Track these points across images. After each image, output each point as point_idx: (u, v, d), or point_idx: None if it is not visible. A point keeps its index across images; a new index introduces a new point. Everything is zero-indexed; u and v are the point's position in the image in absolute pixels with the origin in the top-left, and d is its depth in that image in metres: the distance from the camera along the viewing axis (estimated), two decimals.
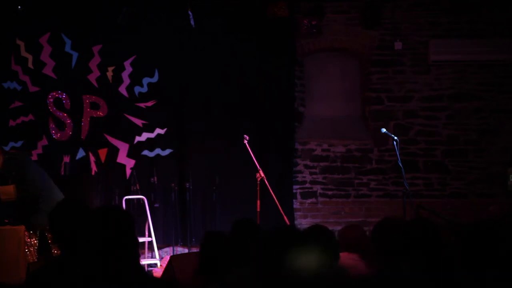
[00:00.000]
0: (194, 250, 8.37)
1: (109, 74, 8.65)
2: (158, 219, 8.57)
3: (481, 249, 2.93)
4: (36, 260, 6.18)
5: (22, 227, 6.33)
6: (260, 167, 7.17)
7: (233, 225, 4.28)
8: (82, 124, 8.64)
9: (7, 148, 8.22)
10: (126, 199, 8.28)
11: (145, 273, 2.96)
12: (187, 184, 8.55)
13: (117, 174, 8.62)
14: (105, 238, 2.78)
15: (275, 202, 7.17)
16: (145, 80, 8.72)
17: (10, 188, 6.19)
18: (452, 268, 3.09)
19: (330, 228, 3.96)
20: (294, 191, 9.16)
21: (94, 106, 8.64)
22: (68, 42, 8.58)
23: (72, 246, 3.33)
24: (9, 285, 3.94)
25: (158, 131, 8.73)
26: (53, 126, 8.57)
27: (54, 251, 6.08)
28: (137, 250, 2.92)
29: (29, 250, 6.23)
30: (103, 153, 8.62)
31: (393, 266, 3.14)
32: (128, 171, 8.63)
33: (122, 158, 8.66)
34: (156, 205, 8.58)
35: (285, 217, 7.23)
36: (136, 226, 2.92)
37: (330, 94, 9.47)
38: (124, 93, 8.69)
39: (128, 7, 8.30)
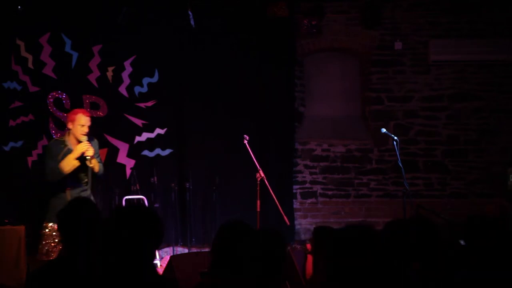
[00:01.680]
0: (194, 250, 8.39)
1: (109, 74, 8.63)
2: None
3: (480, 248, 2.93)
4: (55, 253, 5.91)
5: (22, 227, 6.32)
6: (260, 167, 7.16)
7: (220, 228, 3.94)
8: None
9: (7, 149, 8.23)
10: (126, 199, 8.28)
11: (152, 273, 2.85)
12: (187, 184, 8.54)
13: (117, 174, 8.61)
14: (119, 238, 2.68)
15: (275, 202, 7.16)
16: (145, 80, 8.72)
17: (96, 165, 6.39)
18: (452, 268, 3.09)
19: None
20: (294, 191, 9.16)
21: (94, 106, 8.63)
22: (68, 42, 8.57)
23: (78, 245, 3.32)
24: (9, 286, 3.95)
25: (158, 131, 8.72)
26: (53, 126, 8.55)
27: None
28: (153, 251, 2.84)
29: (48, 245, 6.01)
30: (103, 153, 8.61)
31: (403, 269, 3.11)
32: (128, 171, 8.62)
33: (122, 158, 8.65)
34: (156, 205, 8.57)
35: (285, 217, 7.22)
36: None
37: (330, 94, 9.47)
38: (124, 93, 8.68)
39: (128, 7, 8.28)
